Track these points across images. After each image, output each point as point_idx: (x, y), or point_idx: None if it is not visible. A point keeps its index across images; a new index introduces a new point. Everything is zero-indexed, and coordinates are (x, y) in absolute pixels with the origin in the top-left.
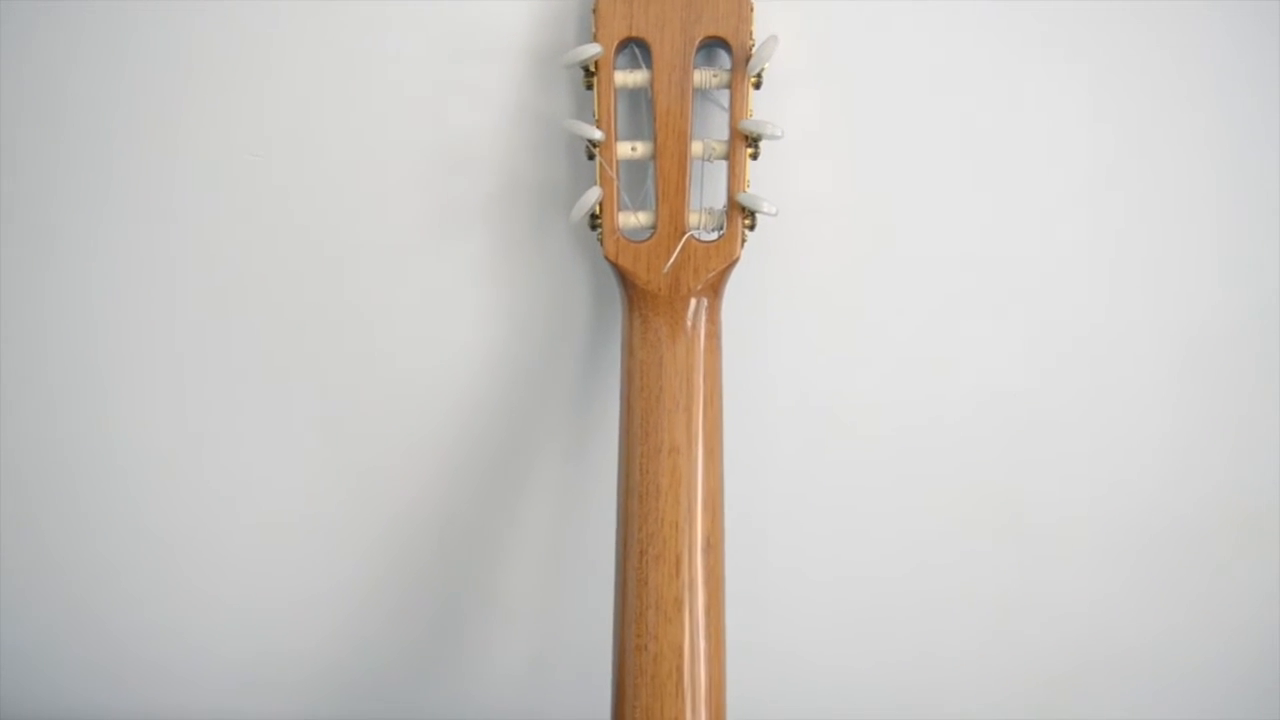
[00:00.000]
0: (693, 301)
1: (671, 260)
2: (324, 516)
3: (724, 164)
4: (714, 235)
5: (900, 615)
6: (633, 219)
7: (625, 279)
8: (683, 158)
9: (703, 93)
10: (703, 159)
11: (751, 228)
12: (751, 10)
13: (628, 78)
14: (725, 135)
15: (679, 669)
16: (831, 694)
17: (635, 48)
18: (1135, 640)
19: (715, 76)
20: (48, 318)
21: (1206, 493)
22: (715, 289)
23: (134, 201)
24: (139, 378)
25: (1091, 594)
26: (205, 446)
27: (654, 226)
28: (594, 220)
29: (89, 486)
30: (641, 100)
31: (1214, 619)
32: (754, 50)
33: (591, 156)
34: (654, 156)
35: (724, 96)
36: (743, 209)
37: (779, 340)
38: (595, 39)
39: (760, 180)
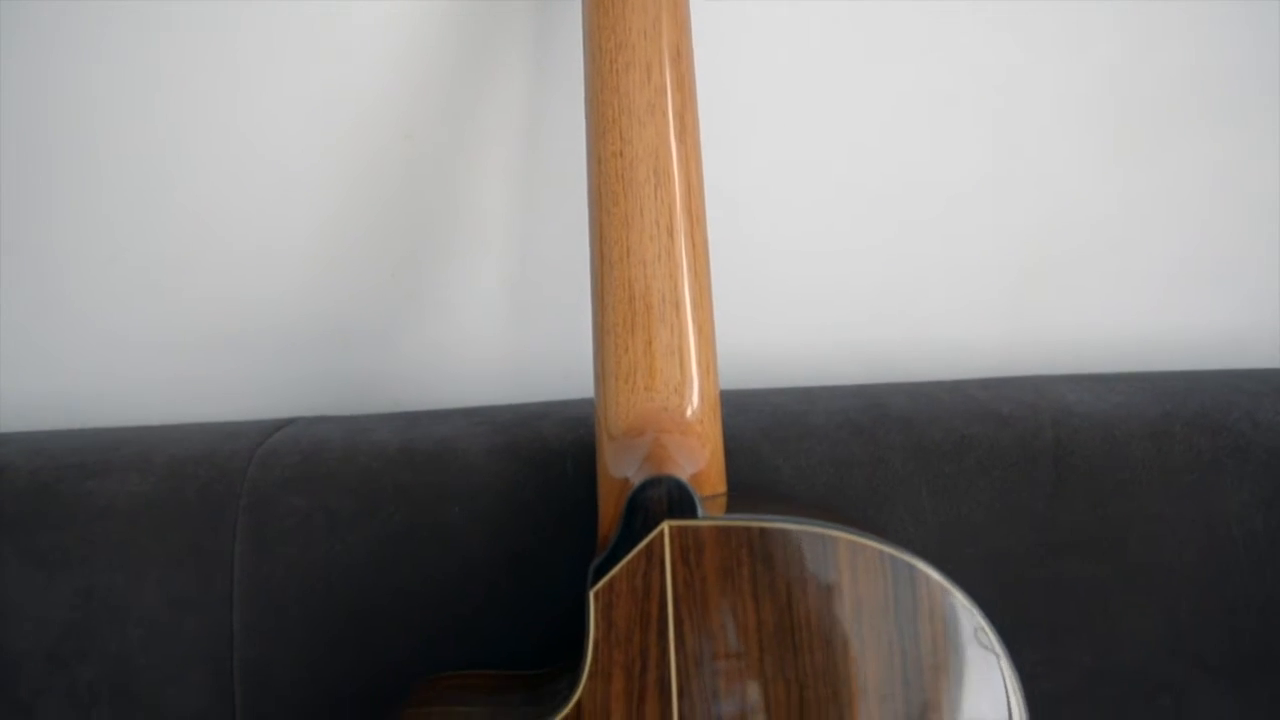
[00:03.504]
0: None
1: None
2: (290, 149)
3: None
4: None
5: (880, 206)
6: None
7: None
8: None
9: None
10: None
11: None
12: None
13: None
14: None
15: (655, 172)
16: (809, 293)
17: None
18: (1110, 222)
19: None
20: None
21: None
22: None
23: None
24: None
25: (1068, 177)
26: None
27: None
28: None
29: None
30: None
31: (1184, 206)
32: None
33: None
34: None
35: None
36: None
37: None
38: None
39: None
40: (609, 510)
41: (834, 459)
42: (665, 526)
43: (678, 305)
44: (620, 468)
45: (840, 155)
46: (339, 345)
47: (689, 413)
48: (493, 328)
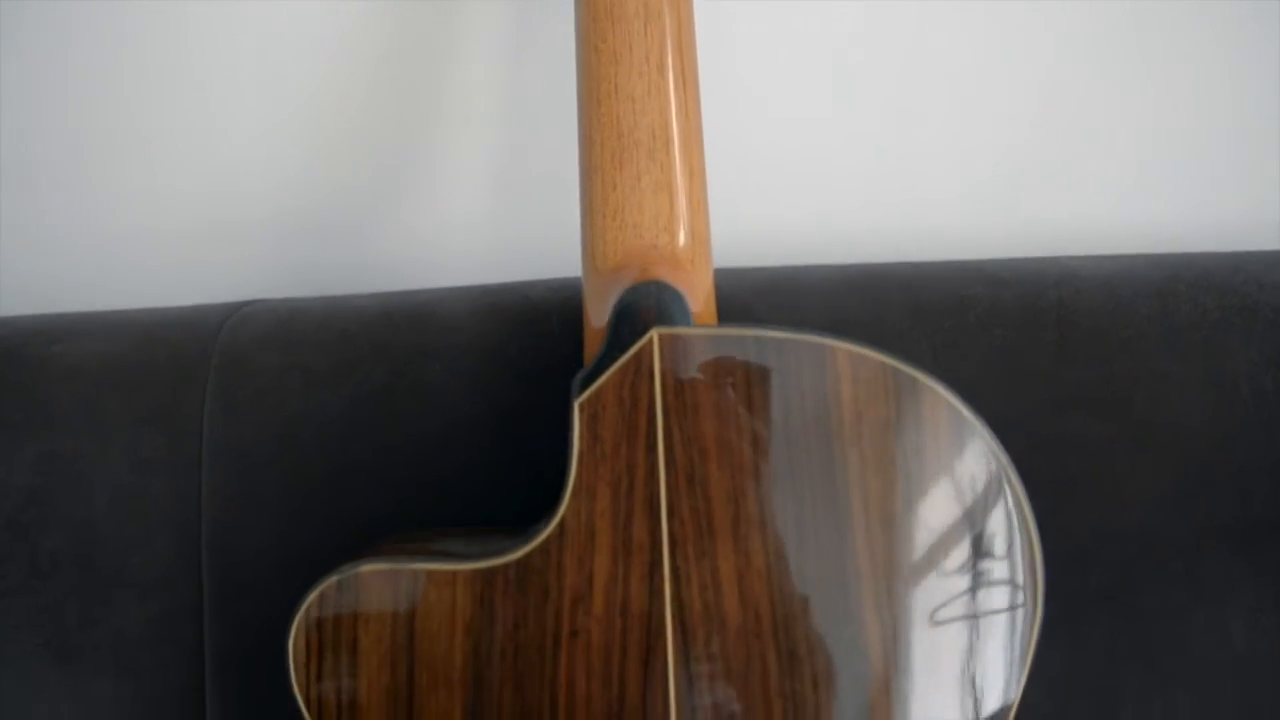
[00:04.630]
0: None
1: None
2: (269, 32)
3: None
4: None
5: (877, 90)
6: None
7: None
8: None
9: None
10: None
11: None
12: None
13: None
14: None
15: (645, 6)
16: (802, 177)
17: None
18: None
19: None
20: None
21: None
22: None
23: None
24: None
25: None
26: None
27: None
28: None
29: None
30: None
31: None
32: None
33: None
34: None
35: None
36: None
37: None
38: None
39: None
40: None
41: (831, 316)
42: (655, 334)
43: (668, 143)
44: (607, 307)
45: (838, 35)
46: (318, 234)
47: (679, 250)
48: (476, 215)
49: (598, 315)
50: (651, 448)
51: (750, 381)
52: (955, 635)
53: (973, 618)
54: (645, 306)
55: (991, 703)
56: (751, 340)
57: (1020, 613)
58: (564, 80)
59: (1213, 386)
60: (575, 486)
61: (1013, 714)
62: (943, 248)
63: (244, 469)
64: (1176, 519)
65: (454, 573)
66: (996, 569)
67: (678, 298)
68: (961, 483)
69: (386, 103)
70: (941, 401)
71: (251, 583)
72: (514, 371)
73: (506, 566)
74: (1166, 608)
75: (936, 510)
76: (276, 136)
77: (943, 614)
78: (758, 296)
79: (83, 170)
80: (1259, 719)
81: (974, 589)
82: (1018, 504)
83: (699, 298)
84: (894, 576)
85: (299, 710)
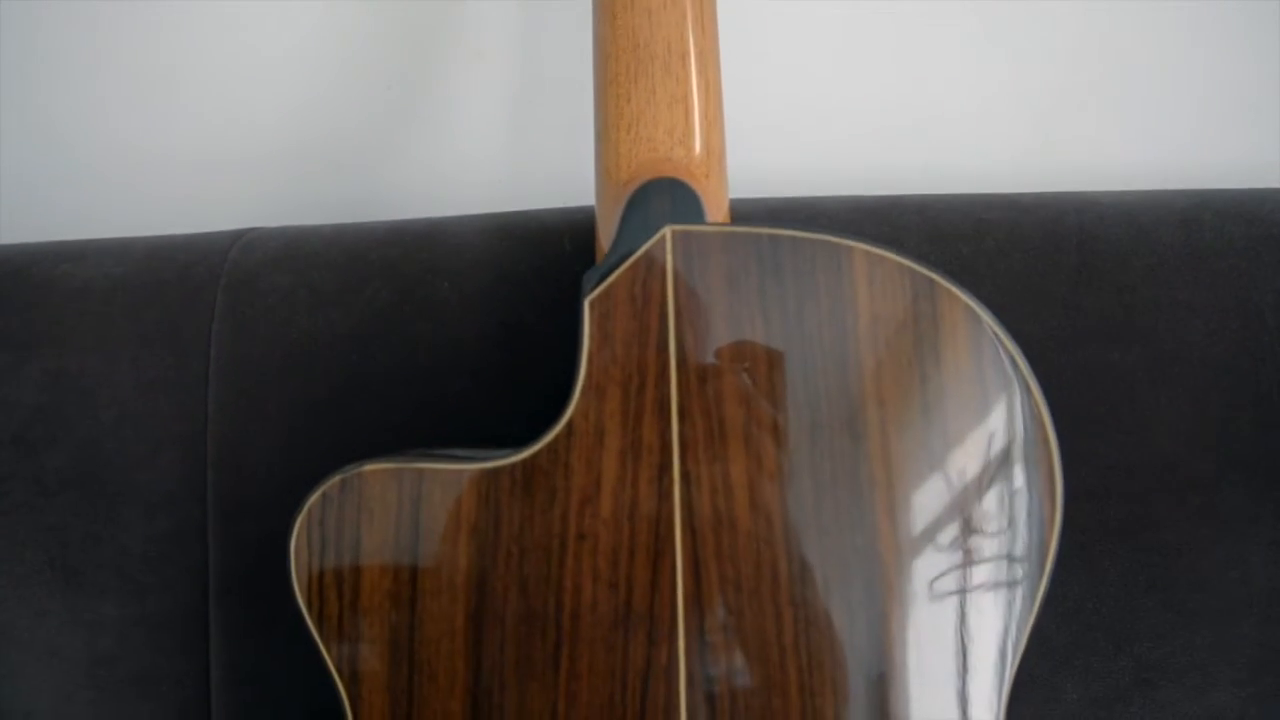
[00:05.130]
0: None
1: None
2: None
3: None
4: None
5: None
6: None
7: None
8: None
9: None
10: None
11: None
12: None
13: None
14: None
15: None
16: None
17: None
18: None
19: None
20: None
21: None
22: None
23: None
24: None
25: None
26: None
27: None
28: None
29: None
30: None
31: None
32: None
33: None
34: None
35: None
36: None
37: None
38: None
39: None
40: None
41: None
42: (667, 231)
43: (684, 56)
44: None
45: None
46: (329, 166)
47: (694, 164)
48: (489, 147)
49: (611, 232)
50: (663, 347)
51: (765, 280)
52: (968, 546)
53: (989, 522)
54: (658, 202)
55: (1011, 602)
56: (767, 239)
57: (1037, 519)
58: (578, 8)
59: (1237, 317)
60: (584, 386)
61: (1032, 619)
62: (962, 184)
63: (251, 387)
64: (1197, 451)
65: (459, 472)
66: (1014, 474)
67: (692, 196)
68: (979, 386)
69: (399, 33)
70: (959, 304)
71: (257, 501)
72: (524, 291)
73: (513, 467)
74: (1186, 542)
75: (953, 415)
76: (288, 66)
77: (958, 517)
78: (772, 218)
79: (91, 99)
80: (1279, 655)
81: (990, 495)
82: (1035, 408)
83: (714, 213)
84: (909, 482)
85: (301, 616)
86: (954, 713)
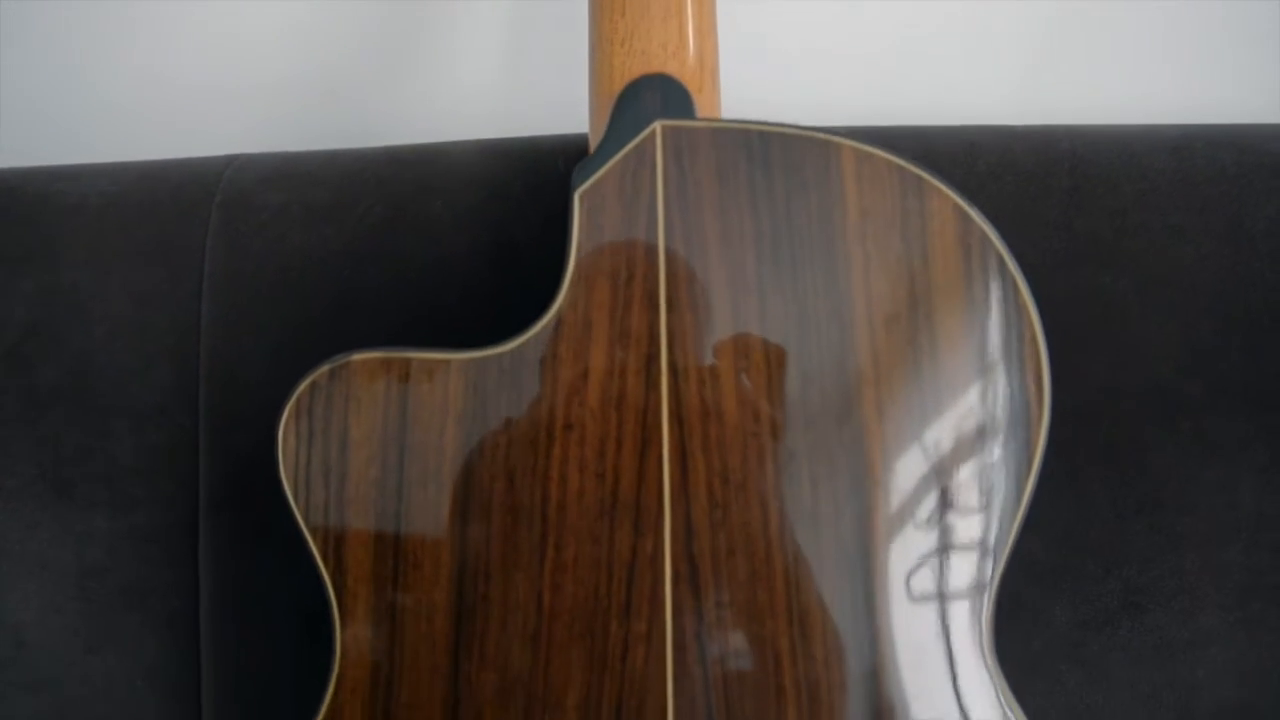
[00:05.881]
0: None
1: None
2: None
3: None
4: None
5: None
6: None
7: None
8: None
9: None
10: None
11: None
12: None
13: None
14: None
15: None
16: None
17: None
18: None
19: None
20: None
21: None
22: None
23: None
24: None
25: None
26: None
27: None
28: None
29: None
30: None
31: None
32: None
33: None
34: None
35: None
36: None
37: None
38: None
39: None
40: None
41: None
42: (658, 125)
43: None
44: None
45: None
46: (326, 93)
47: (688, 75)
48: (485, 74)
49: (602, 131)
50: (652, 240)
51: (754, 175)
52: (958, 436)
53: (976, 419)
54: (649, 98)
55: (996, 503)
56: (756, 135)
57: (1023, 418)
58: None
59: (1229, 243)
60: (573, 278)
61: (1020, 515)
62: (956, 119)
63: (243, 302)
64: (1187, 376)
65: (447, 362)
66: (1000, 370)
67: (682, 92)
68: (966, 282)
69: None
70: (948, 201)
71: (248, 414)
72: (517, 210)
73: (501, 357)
74: (1175, 466)
75: (940, 309)
76: None
77: (945, 415)
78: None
79: (84, 25)
80: (1267, 580)
81: (975, 389)
82: (1023, 305)
83: None
84: (894, 375)
85: (292, 524)
86: (934, 601)
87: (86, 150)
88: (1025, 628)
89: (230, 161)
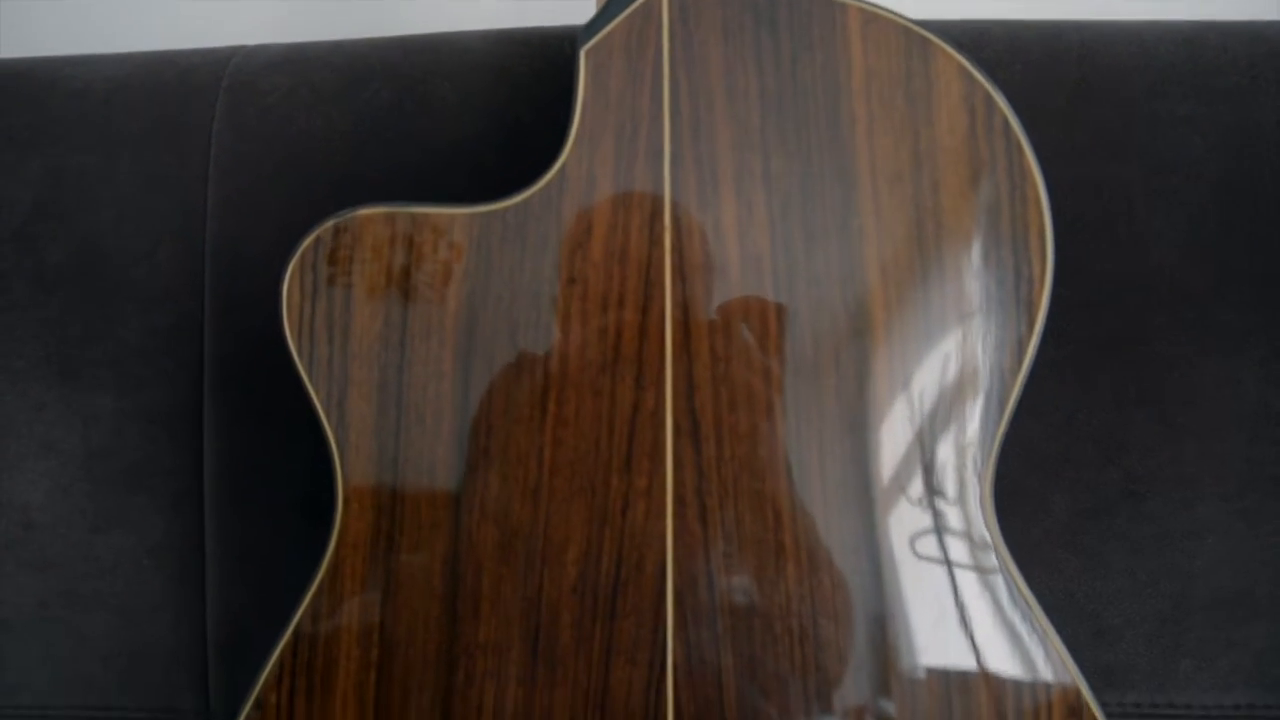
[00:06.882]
0: None
1: None
2: None
3: None
4: None
5: None
6: None
7: None
8: None
9: None
10: None
11: None
12: None
13: None
14: None
15: None
16: None
17: None
18: None
19: None
20: None
21: None
22: None
23: None
24: None
25: None
26: None
27: None
28: None
29: None
30: None
31: None
32: None
33: None
34: None
35: None
36: None
37: None
38: None
39: None
40: None
41: None
42: None
43: None
44: None
45: None
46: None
47: None
48: None
49: None
50: (657, 96)
51: (760, 33)
52: (958, 300)
53: (979, 282)
54: None
55: (992, 381)
56: None
57: (1025, 275)
58: None
59: (1238, 134)
60: (578, 134)
61: (1014, 397)
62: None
63: (251, 184)
64: (1193, 267)
65: (452, 216)
66: (1003, 231)
67: None
68: (970, 143)
69: None
70: (953, 63)
71: (253, 294)
72: (524, 92)
73: (505, 211)
74: (1178, 356)
75: (944, 169)
76: None
77: (947, 275)
78: None
79: None
80: (1266, 472)
81: (978, 249)
82: (1026, 167)
83: None
84: (896, 232)
85: (296, 380)
86: (919, 474)
87: (92, 45)
88: (1025, 517)
89: (237, 50)
